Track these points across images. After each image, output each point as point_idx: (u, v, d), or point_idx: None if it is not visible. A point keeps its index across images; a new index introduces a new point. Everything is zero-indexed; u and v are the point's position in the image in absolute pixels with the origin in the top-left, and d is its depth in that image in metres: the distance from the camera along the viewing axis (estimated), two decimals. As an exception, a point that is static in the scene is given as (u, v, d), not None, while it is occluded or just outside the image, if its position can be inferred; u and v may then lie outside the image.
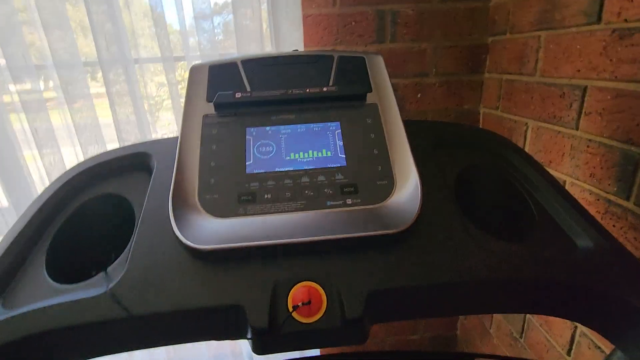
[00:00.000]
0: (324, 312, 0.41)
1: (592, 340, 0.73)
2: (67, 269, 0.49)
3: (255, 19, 0.93)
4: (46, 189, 0.55)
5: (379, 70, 0.59)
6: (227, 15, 0.98)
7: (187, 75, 0.59)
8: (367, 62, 0.59)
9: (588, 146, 0.70)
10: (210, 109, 0.55)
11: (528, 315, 0.94)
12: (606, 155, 0.66)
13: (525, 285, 0.45)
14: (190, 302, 0.41)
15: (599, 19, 0.65)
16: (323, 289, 0.42)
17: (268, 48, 0.99)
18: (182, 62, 0.98)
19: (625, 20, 0.59)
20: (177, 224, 0.44)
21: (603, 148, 0.67)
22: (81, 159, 0.97)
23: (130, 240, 0.48)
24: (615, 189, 0.65)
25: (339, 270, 0.43)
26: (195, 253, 0.44)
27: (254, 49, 0.96)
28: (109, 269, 0.45)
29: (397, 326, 1.33)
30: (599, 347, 0.72)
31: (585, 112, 0.70)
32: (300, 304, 0.41)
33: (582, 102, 0.70)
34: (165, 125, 1.12)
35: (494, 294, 0.46)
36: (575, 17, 0.70)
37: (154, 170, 0.55)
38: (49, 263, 0.47)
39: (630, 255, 0.46)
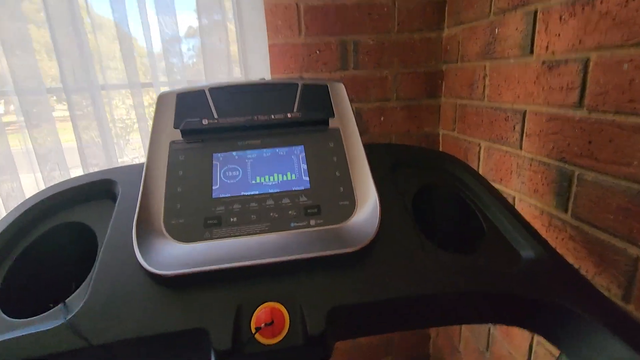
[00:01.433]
0: (287, 332, 0.42)
1: (547, 349, 0.78)
2: (23, 303, 0.47)
3: (223, 44, 0.96)
4: (2, 219, 0.53)
5: (341, 97, 0.62)
6: (196, 40, 1.00)
7: (156, 99, 0.60)
8: (329, 89, 0.62)
9: (531, 164, 0.77)
10: (177, 135, 0.56)
11: (492, 330, 0.98)
12: (546, 173, 0.73)
13: (476, 296, 0.48)
14: (152, 328, 0.41)
15: (531, 52, 0.73)
16: (286, 308, 0.43)
17: (236, 72, 1.02)
18: (150, 87, 0.99)
19: (553, 53, 0.67)
20: (140, 250, 0.44)
21: (543, 166, 0.73)
22: (42, 186, 0.93)
23: (92, 270, 0.47)
24: (555, 203, 0.71)
25: (301, 289, 0.44)
26: (158, 279, 0.44)
27: (222, 73, 0.98)
28: (68, 300, 0.45)
29: (369, 348, 1.33)
30: (554, 355, 0.76)
31: (526, 133, 0.77)
32: (262, 325, 0.42)
33: (523, 124, 0.78)
34: (137, 148, 1.11)
35: (449, 306, 0.49)
36: (512, 49, 0.78)
37: (119, 196, 0.55)
38: (2, 298, 0.45)
39: (567, 264, 0.50)
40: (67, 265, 0.55)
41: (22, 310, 0.44)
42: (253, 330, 0.42)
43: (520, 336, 0.85)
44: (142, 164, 0.57)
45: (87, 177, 0.59)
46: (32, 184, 0.96)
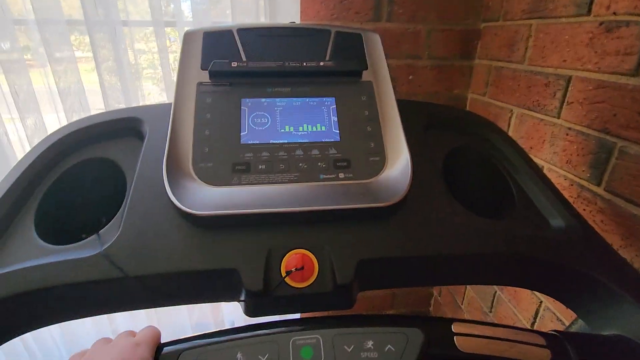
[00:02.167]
0: (316, 278, 0.43)
1: (554, 313, 0.80)
2: (56, 231, 0.49)
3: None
4: (33, 149, 0.54)
5: (376, 49, 0.59)
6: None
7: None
8: (364, 39, 0.59)
9: (567, 134, 0.74)
10: (204, 76, 0.54)
11: (498, 292, 1.01)
12: (583, 143, 0.70)
13: (503, 259, 0.48)
14: (186, 265, 0.42)
15: (589, 11, 0.67)
16: (315, 256, 0.44)
17: (262, 19, 0.97)
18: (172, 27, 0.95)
19: (614, 14, 0.62)
20: (171, 190, 0.45)
21: (581, 136, 0.71)
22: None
23: (123, 205, 0.48)
24: (588, 175, 0.69)
25: (330, 240, 0.45)
26: (190, 218, 0.44)
27: (246, 19, 0.93)
28: (101, 232, 0.46)
29: (373, 301, 1.39)
30: (560, 320, 0.79)
31: (567, 101, 0.73)
32: (293, 269, 0.43)
33: (566, 91, 0.74)
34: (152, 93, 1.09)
35: (474, 267, 0.50)
36: (567, 7, 0.72)
37: (146, 136, 0.54)
38: (37, 224, 0.46)
39: (597, 235, 0.50)
40: (95, 199, 0.56)
41: (56, 238, 0.45)
42: (283, 274, 0.43)
43: (527, 299, 0.88)
44: (168, 104, 0.56)
45: (112, 113, 0.59)
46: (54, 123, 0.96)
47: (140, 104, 1.00)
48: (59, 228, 0.51)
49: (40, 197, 0.49)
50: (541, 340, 0.40)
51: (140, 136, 0.56)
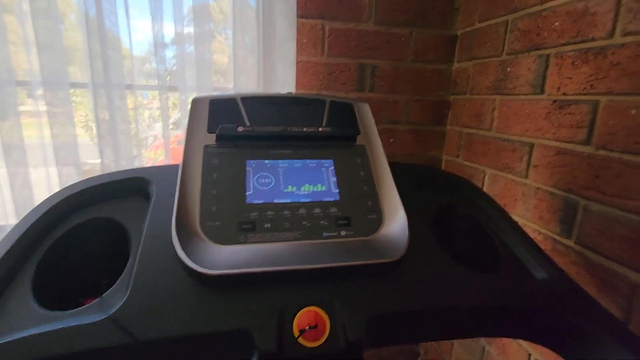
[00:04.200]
0: (328, 336, 0.43)
1: (544, 367, 0.81)
2: (55, 297, 0.47)
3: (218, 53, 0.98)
4: (34, 210, 0.53)
5: (366, 116, 0.66)
6: (188, 47, 1.00)
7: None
8: (355, 107, 0.66)
9: (536, 193, 0.83)
10: (211, 139, 0.57)
11: (486, 346, 1.02)
12: (551, 201, 0.78)
13: (500, 310, 0.51)
14: (198, 327, 0.41)
15: (542, 91, 0.80)
16: (327, 313, 0.45)
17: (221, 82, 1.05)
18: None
19: (564, 94, 0.74)
20: (182, 248, 0.45)
21: (549, 195, 0.79)
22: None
23: (129, 265, 0.47)
24: (559, 229, 0.77)
25: (339, 296, 0.46)
26: (201, 278, 0.44)
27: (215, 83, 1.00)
28: (105, 295, 0.44)
29: None
30: (550, 373, 0.80)
31: (533, 164, 0.83)
32: (307, 327, 0.43)
33: (530, 156, 0.84)
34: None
35: (472, 319, 0.52)
36: (524, 87, 0.86)
37: (153, 195, 0.55)
38: (34, 289, 0.45)
39: (577, 286, 0.55)
40: (95, 261, 0.55)
41: (54, 303, 0.43)
42: (296, 334, 0.43)
43: (516, 353, 0.89)
44: (173, 165, 0.58)
45: (119, 174, 0.59)
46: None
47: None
48: (57, 293, 0.49)
49: (38, 261, 0.48)
50: None
51: (146, 196, 0.57)
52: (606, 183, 0.65)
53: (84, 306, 0.43)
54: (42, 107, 0.89)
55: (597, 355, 0.47)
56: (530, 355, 0.85)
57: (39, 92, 0.88)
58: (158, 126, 1.07)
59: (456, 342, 1.17)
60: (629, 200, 0.61)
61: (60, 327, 0.39)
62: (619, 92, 0.63)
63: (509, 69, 0.90)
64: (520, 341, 0.89)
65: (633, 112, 0.60)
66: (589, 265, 0.69)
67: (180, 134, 1.07)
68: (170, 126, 1.01)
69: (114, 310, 0.41)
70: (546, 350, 0.79)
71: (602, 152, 0.66)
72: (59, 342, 0.38)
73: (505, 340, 0.94)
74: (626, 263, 0.62)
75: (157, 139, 1.11)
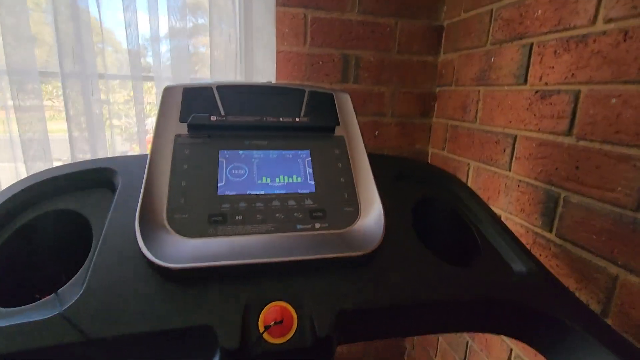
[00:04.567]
0: (295, 332, 0.42)
1: (525, 361, 0.81)
2: (8, 293, 0.45)
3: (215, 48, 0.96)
4: None
5: (346, 107, 0.64)
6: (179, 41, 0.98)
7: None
8: (335, 98, 0.64)
9: (519, 185, 0.82)
10: (183, 129, 0.55)
11: (470, 342, 1.01)
12: (533, 194, 0.77)
13: (475, 304, 0.50)
14: (156, 324, 0.40)
15: (525, 81, 0.79)
16: (293, 308, 0.43)
17: (239, 78, 1.03)
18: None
19: (546, 84, 0.73)
20: (144, 242, 0.43)
21: (530, 187, 0.78)
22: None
23: (88, 260, 0.45)
24: (540, 222, 0.76)
25: (308, 290, 0.45)
26: (163, 272, 0.43)
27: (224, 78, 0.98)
28: (60, 290, 0.42)
29: (344, 356, 1.33)
30: (531, 367, 0.80)
31: (516, 156, 0.82)
32: (272, 323, 0.41)
33: (513, 148, 0.83)
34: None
35: (448, 313, 0.51)
36: (507, 77, 0.84)
37: (119, 186, 0.53)
38: None
39: (556, 279, 0.54)
40: (55, 255, 0.53)
41: (7, 300, 0.41)
42: (261, 329, 0.41)
43: (498, 348, 0.89)
44: (142, 155, 0.56)
45: (83, 164, 0.57)
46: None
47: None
48: (14, 289, 0.47)
49: None
50: None
51: (112, 188, 0.55)
52: (586, 174, 0.64)
53: (37, 302, 0.41)
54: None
55: (574, 349, 0.46)
56: (511, 350, 0.85)
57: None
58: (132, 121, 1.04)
59: (441, 338, 1.17)
60: (608, 192, 0.60)
61: (8, 324, 0.37)
62: (599, 81, 0.61)
63: (492, 59, 0.89)
64: (503, 337, 0.88)
65: (613, 101, 0.59)
66: (569, 259, 0.68)
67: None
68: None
69: (66, 306, 0.39)
70: (527, 346, 0.79)
71: (582, 143, 0.65)
72: (8, 340, 0.36)
73: (487, 335, 0.94)
74: (605, 256, 0.61)
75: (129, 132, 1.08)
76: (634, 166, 0.56)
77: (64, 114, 0.89)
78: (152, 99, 1.03)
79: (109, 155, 0.92)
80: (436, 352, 1.19)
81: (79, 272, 0.44)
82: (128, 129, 1.06)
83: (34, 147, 0.87)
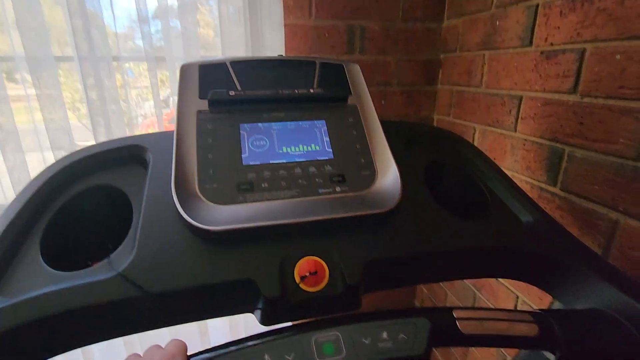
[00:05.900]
0: (327, 282, 0.47)
1: (530, 305, 0.88)
2: (63, 259, 0.49)
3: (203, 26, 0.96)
4: (35, 179, 0.54)
5: (357, 77, 0.66)
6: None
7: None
8: (345, 69, 0.66)
9: (524, 144, 0.85)
10: (203, 105, 0.57)
11: (477, 292, 1.08)
12: (538, 151, 0.81)
13: (487, 252, 0.55)
14: (204, 279, 0.43)
15: (530, 43, 0.81)
16: (325, 261, 0.48)
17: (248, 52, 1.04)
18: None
19: (551, 44, 0.75)
20: (183, 209, 0.47)
21: (535, 146, 0.82)
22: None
23: (133, 228, 0.49)
24: (545, 178, 0.80)
25: (337, 245, 0.49)
26: (204, 235, 0.46)
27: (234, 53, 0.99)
28: (112, 256, 0.47)
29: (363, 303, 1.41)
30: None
31: (521, 117, 0.85)
32: (307, 274, 0.46)
33: (519, 109, 0.86)
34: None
35: (464, 261, 0.56)
36: (512, 40, 0.86)
37: (150, 162, 0.57)
38: (43, 252, 0.46)
39: (560, 226, 0.58)
40: (99, 228, 0.57)
41: (63, 266, 0.45)
42: (297, 280, 0.46)
43: (504, 296, 0.96)
44: (166, 132, 0.59)
45: (115, 142, 0.60)
46: None
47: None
48: (65, 256, 0.51)
49: (45, 226, 0.49)
50: (529, 318, 0.46)
51: (143, 163, 0.58)
52: (590, 129, 0.68)
53: (92, 266, 0.45)
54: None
55: (579, 287, 0.51)
56: (517, 297, 0.91)
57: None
58: (148, 105, 1.06)
59: (449, 292, 1.24)
60: (611, 144, 0.64)
61: (72, 284, 0.41)
62: (604, 39, 0.64)
63: (498, 22, 0.90)
64: (508, 285, 0.94)
65: (618, 57, 0.61)
66: (573, 209, 0.73)
67: (171, 111, 1.06)
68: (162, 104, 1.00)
69: (122, 268, 0.42)
70: (531, 292, 0.86)
71: (587, 100, 0.68)
72: (72, 298, 0.40)
73: (494, 285, 1.00)
74: (607, 203, 0.66)
75: (147, 117, 1.10)
76: (635, 118, 0.60)
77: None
78: (147, 82, 1.03)
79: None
80: (445, 301, 1.27)
81: (125, 240, 0.48)
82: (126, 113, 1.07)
83: (59, 134, 0.90)
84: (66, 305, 0.40)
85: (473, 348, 1.12)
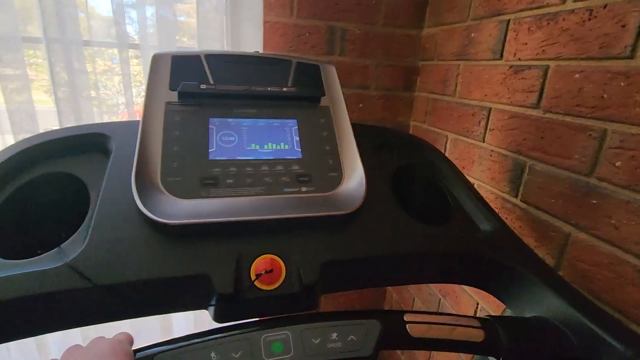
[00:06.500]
0: (283, 281, 0.47)
1: (488, 313, 0.90)
2: (13, 248, 0.47)
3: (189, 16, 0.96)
4: None
5: (332, 78, 0.67)
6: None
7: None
8: (321, 69, 0.67)
9: (491, 155, 0.88)
10: (173, 97, 0.57)
11: (442, 299, 1.11)
12: (503, 163, 0.84)
13: (444, 257, 0.56)
14: (156, 273, 0.43)
15: (501, 56, 0.83)
16: (282, 260, 0.48)
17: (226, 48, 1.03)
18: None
19: (519, 59, 0.77)
20: (141, 202, 0.46)
21: (501, 157, 0.84)
22: None
23: (87, 218, 0.48)
24: (508, 189, 0.83)
25: (295, 245, 0.49)
26: (161, 228, 0.45)
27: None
28: (63, 245, 0.45)
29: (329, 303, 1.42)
30: (495, 318, 0.89)
31: (489, 128, 0.88)
32: (263, 272, 0.46)
33: (488, 120, 0.88)
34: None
35: (421, 265, 0.57)
36: (485, 52, 0.88)
37: (113, 151, 0.55)
38: None
39: (517, 236, 0.61)
40: (53, 216, 0.55)
41: (12, 254, 0.43)
42: (253, 277, 0.46)
43: (466, 303, 0.98)
44: (134, 121, 0.57)
45: (75, 129, 0.58)
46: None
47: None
48: (16, 245, 0.49)
49: None
50: (477, 323, 0.48)
51: (105, 152, 0.56)
52: (550, 144, 0.70)
53: (41, 255, 0.43)
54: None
55: (529, 296, 0.53)
56: (477, 304, 0.94)
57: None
58: (134, 92, 1.03)
59: (416, 296, 1.27)
60: (566, 160, 0.67)
61: (16, 272, 0.39)
62: (566, 57, 0.66)
63: (472, 34, 0.92)
64: (470, 292, 0.97)
65: (576, 76, 0.64)
66: (531, 220, 0.76)
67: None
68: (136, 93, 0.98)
69: (72, 258, 0.41)
70: (491, 300, 0.88)
71: (548, 115, 0.71)
72: (17, 287, 0.38)
73: (458, 292, 1.03)
74: (561, 216, 0.69)
75: (130, 106, 1.07)
76: (589, 136, 0.63)
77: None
78: (132, 70, 1.01)
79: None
80: (412, 306, 1.29)
81: (79, 229, 0.47)
82: (106, 101, 1.04)
83: (21, 117, 0.86)
84: (8, 294, 0.38)
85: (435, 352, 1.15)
